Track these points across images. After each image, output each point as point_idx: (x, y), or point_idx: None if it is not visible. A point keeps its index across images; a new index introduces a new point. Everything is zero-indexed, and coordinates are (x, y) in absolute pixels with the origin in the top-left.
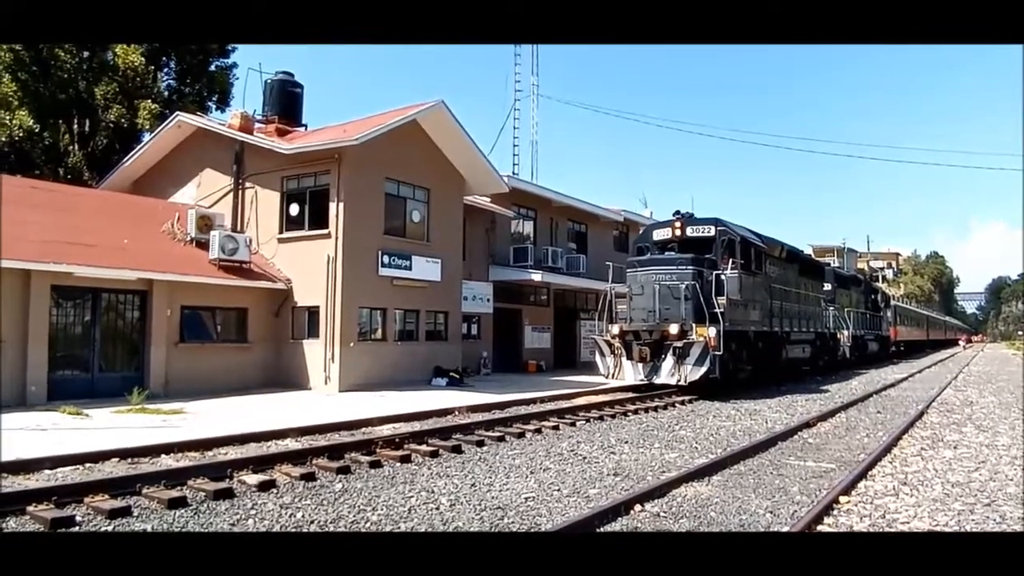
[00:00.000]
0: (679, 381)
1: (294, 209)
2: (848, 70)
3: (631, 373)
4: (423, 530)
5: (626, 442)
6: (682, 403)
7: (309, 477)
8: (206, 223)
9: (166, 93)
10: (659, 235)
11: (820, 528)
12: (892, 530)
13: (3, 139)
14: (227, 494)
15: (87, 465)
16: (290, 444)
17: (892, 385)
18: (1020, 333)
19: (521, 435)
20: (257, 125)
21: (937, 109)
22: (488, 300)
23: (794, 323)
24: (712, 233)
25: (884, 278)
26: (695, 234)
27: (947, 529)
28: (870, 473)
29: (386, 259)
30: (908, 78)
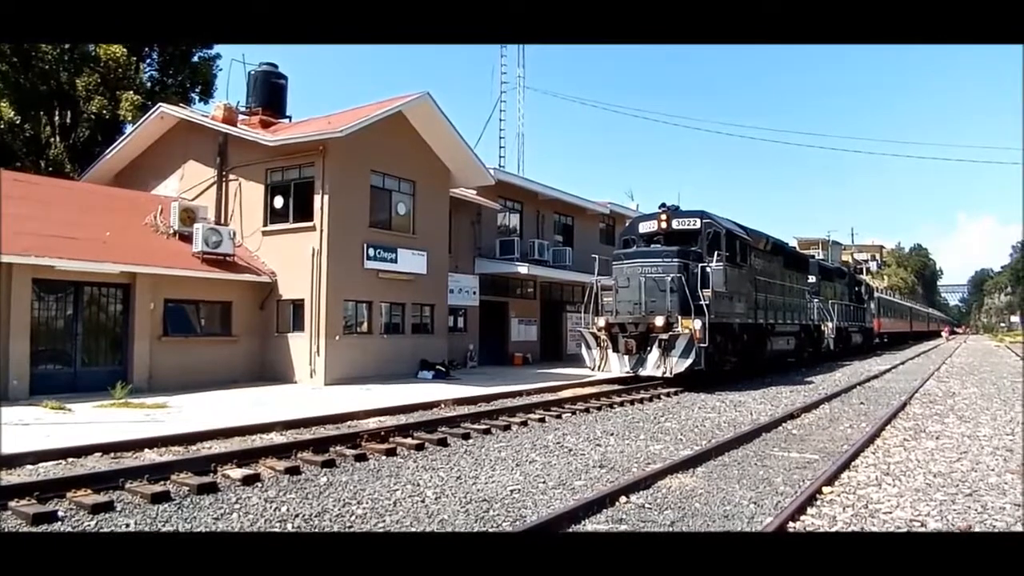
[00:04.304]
0: (665, 373)
1: (278, 202)
2: (838, 66)
3: (617, 365)
4: (408, 523)
5: (612, 434)
6: (668, 395)
7: (294, 471)
8: (189, 216)
9: (148, 84)
10: (645, 228)
11: (803, 518)
12: (876, 530)
13: None
14: (211, 488)
15: (70, 460)
16: (275, 438)
17: (875, 376)
18: (1002, 325)
19: (507, 428)
20: (241, 117)
21: (930, 106)
22: (474, 293)
23: (779, 315)
24: (698, 226)
25: (868, 270)
26: (681, 227)
27: (929, 519)
28: (853, 464)
29: (371, 252)
30: (899, 74)
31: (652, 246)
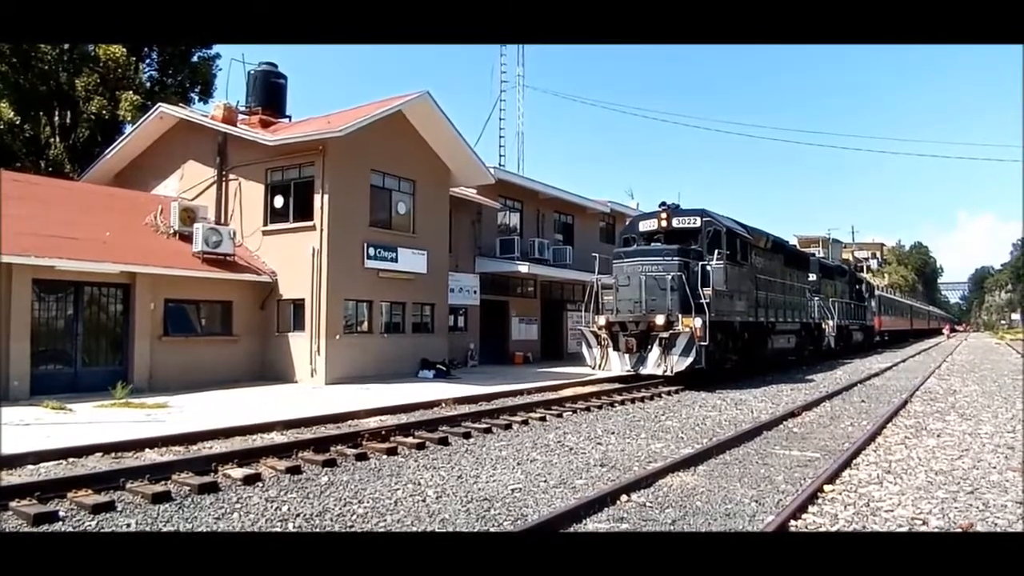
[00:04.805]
0: (665, 372)
1: (278, 201)
2: (838, 66)
3: (618, 364)
4: (410, 522)
5: (613, 433)
6: (668, 393)
7: (295, 470)
8: (189, 216)
9: (148, 84)
10: (645, 226)
11: (805, 517)
12: (878, 528)
13: None
14: (212, 488)
15: (70, 460)
16: (275, 437)
17: (876, 374)
18: (1003, 323)
19: (508, 427)
20: (240, 116)
21: (930, 105)
22: (475, 292)
23: (779, 313)
24: (698, 224)
25: (868, 268)
26: (681, 225)
27: (931, 517)
28: (854, 462)
29: (372, 251)
30: (899, 74)
31: (652, 244)
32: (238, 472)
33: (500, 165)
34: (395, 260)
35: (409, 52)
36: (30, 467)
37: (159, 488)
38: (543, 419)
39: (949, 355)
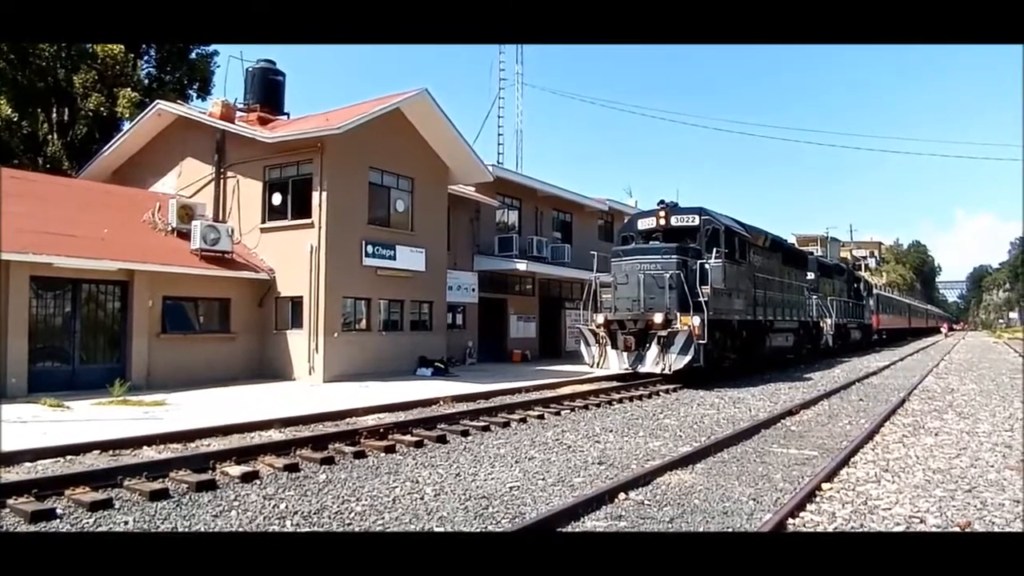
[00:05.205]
0: (664, 370)
1: (277, 199)
2: (837, 65)
3: (616, 362)
4: (407, 520)
5: (611, 431)
6: (667, 392)
7: (292, 468)
8: (187, 213)
9: (146, 81)
10: (644, 224)
11: (803, 515)
12: (876, 526)
13: None
14: (210, 485)
15: (68, 457)
16: (273, 435)
17: (874, 373)
18: (1001, 321)
19: (506, 425)
20: (238, 114)
21: (929, 104)
22: (473, 290)
23: (778, 312)
24: (696, 222)
25: (867, 267)
26: (679, 223)
27: (928, 515)
28: (852, 460)
29: (370, 249)
30: (899, 74)
31: (651, 243)
32: (236, 470)
33: (498, 163)
34: (393, 258)
35: (409, 52)
36: (27, 464)
37: (157, 486)
38: (541, 417)
39: (947, 354)
